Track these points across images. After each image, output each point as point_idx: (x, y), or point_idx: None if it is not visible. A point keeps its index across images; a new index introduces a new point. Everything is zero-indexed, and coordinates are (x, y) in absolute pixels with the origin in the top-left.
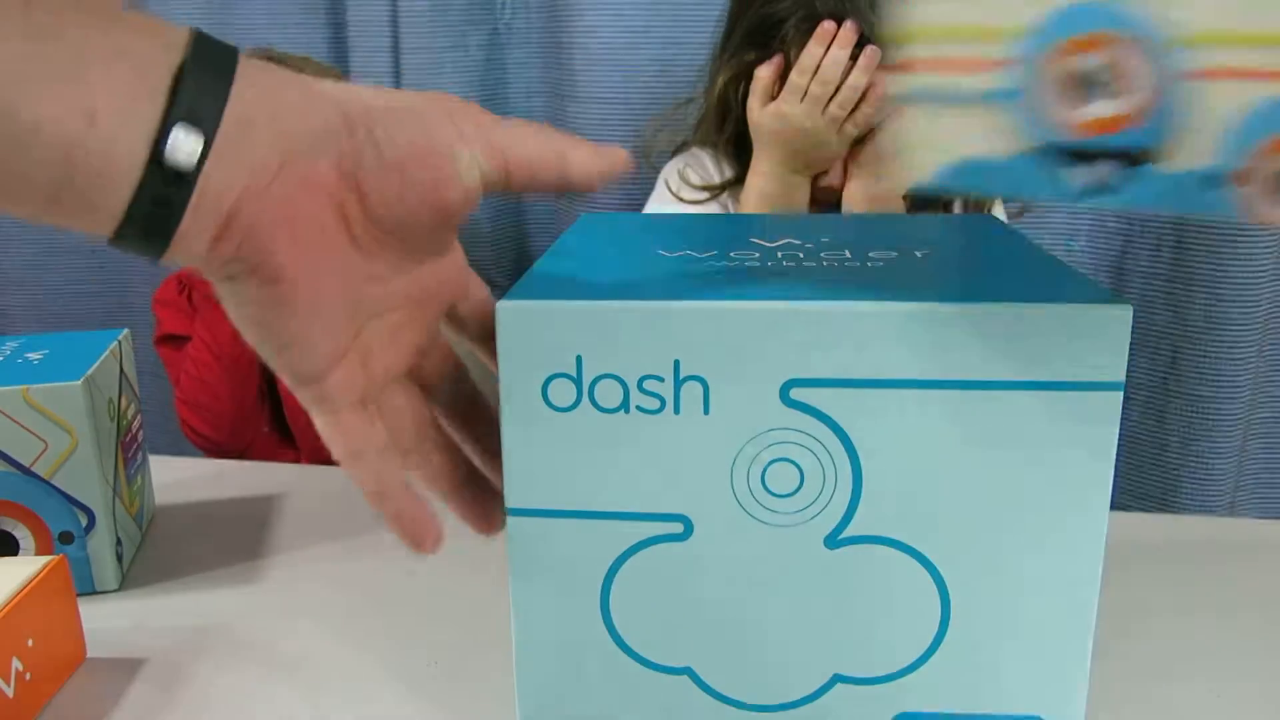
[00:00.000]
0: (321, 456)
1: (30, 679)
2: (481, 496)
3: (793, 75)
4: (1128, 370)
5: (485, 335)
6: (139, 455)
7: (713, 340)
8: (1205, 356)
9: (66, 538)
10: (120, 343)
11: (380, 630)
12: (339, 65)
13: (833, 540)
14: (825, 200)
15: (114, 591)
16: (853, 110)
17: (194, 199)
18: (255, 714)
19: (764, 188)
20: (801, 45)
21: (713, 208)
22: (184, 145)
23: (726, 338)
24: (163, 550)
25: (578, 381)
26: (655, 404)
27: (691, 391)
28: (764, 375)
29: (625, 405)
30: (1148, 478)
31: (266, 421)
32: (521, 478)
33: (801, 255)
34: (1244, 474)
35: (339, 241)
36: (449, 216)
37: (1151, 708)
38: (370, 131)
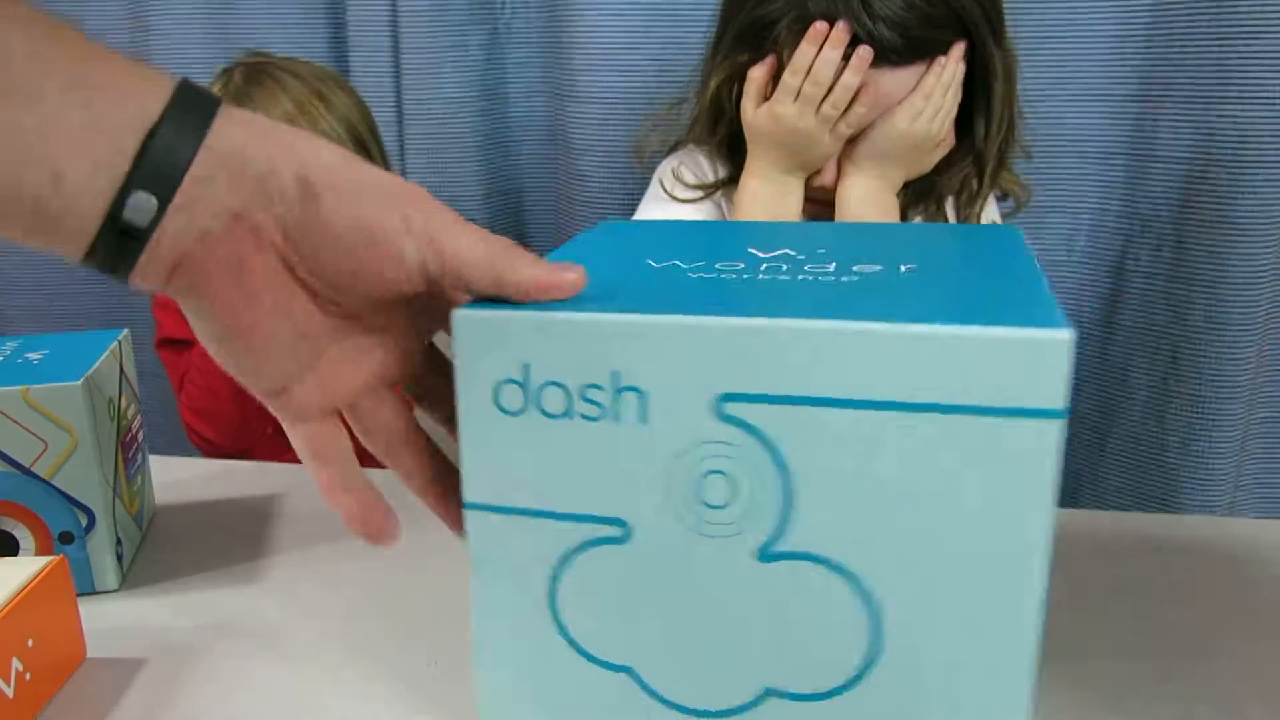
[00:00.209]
0: None
1: (30, 679)
2: (455, 496)
3: (785, 76)
4: (1129, 371)
5: None
6: (139, 455)
7: (649, 352)
8: (1205, 356)
9: (66, 538)
10: (120, 343)
11: (380, 630)
12: (339, 65)
13: (764, 554)
14: (819, 199)
15: (114, 591)
16: (845, 110)
17: (146, 251)
18: (255, 714)
19: (758, 188)
20: (794, 46)
21: (707, 206)
22: (141, 206)
23: (661, 350)
24: (163, 550)
25: (525, 388)
26: (596, 411)
27: (629, 401)
28: (698, 388)
29: (569, 412)
30: (1148, 478)
31: (270, 424)
32: (476, 475)
33: (786, 267)
34: (1244, 474)
35: (286, 284)
36: (389, 289)
37: (1151, 706)
38: (319, 199)
